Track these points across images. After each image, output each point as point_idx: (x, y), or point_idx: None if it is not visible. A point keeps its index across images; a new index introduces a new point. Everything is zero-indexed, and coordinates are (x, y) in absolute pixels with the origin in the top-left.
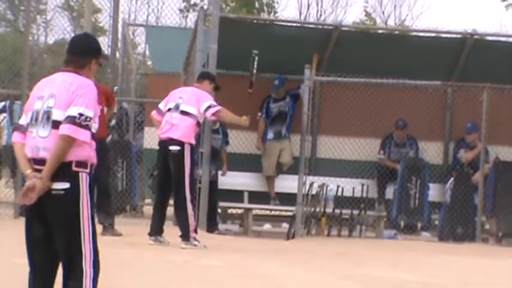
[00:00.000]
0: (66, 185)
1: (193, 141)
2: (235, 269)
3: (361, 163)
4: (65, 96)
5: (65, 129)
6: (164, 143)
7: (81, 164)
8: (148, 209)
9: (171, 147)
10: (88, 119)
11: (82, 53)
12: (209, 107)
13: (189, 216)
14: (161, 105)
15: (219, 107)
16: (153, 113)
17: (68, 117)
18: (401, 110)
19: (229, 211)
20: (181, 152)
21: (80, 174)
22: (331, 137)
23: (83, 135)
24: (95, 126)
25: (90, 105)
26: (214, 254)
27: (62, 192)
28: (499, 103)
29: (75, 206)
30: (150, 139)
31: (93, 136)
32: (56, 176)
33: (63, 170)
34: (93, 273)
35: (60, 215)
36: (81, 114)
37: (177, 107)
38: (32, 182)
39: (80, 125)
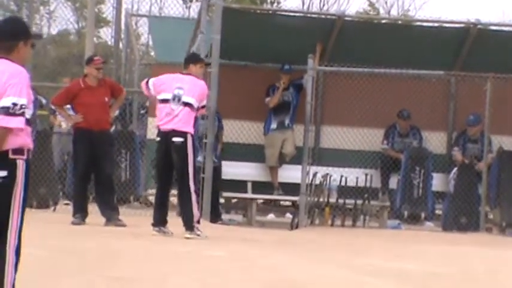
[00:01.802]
0: (4, 173)
1: (193, 131)
2: (239, 259)
3: (365, 153)
4: None
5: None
6: (166, 134)
7: (18, 151)
8: (152, 199)
9: (175, 139)
10: (23, 106)
11: (7, 36)
12: (204, 106)
13: (193, 206)
14: (151, 83)
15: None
16: (143, 85)
17: (1, 108)
18: (405, 100)
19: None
20: (184, 143)
21: (17, 161)
22: (334, 127)
23: (16, 122)
24: (29, 112)
25: (22, 93)
26: (218, 244)
27: (0, 180)
28: (503, 93)
29: (10, 193)
30: (154, 129)
31: (28, 122)
32: None
33: (0, 159)
34: (15, 260)
35: None
36: (14, 104)
37: (178, 98)
38: None
39: (13, 114)
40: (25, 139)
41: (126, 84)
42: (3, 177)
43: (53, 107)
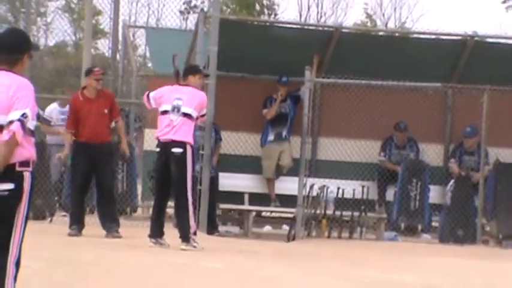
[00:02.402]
0: (11, 186)
1: (193, 142)
2: (236, 271)
3: (362, 165)
4: (4, 100)
5: (10, 133)
6: (165, 145)
7: (24, 163)
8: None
9: (174, 150)
10: (30, 119)
11: (13, 49)
12: (204, 114)
13: (190, 217)
14: (151, 97)
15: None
16: (144, 99)
17: (11, 121)
18: (402, 112)
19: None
20: (184, 154)
21: (24, 173)
22: (331, 139)
23: (24, 134)
24: (33, 124)
25: (29, 105)
26: (215, 255)
27: (7, 193)
28: (500, 105)
29: (17, 205)
30: (151, 141)
31: (33, 133)
32: (1, 178)
33: (8, 172)
34: (15, 271)
35: (3, 214)
36: (23, 117)
37: (177, 109)
38: None
39: (22, 127)
40: (31, 151)
41: (123, 95)
42: (10, 190)
43: (68, 131)
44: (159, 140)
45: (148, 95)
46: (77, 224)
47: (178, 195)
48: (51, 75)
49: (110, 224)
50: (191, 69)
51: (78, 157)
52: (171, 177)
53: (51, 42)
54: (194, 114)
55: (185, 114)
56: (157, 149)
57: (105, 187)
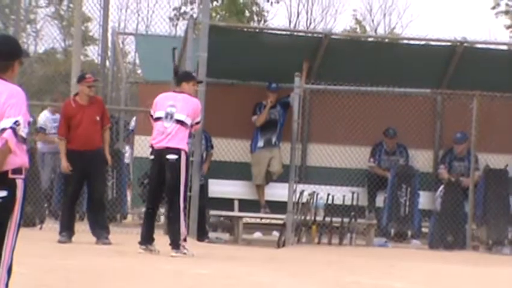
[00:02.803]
0: (4, 193)
1: (187, 149)
2: (226, 277)
3: (352, 171)
4: None
5: (3, 141)
6: (160, 152)
7: (17, 170)
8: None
9: (169, 156)
10: (22, 126)
11: (4, 56)
12: (199, 122)
13: (181, 224)
14: (152, 113)
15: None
16: (151, 120)
17: (3, 129)
18: (392, 118)
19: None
20: (178, 161)
21: (17, 181)
22: (321, 145)
23: (17, 142)
24: (25, 131)
25: (21, 112)
26: (205, 262)
27: (0, 200)
28: (489, 111)
29: (10, 212)
30: (140, 148)
31: (25, 141)
32: None
33: (1, 179)
34: (7, 278)
35: None
36: (16, 124)
37: (170, 116)
38: None
39: (15, 135)
40: (23, 159)
41: (112, 102)
42: (3, 197)
43: (60, 138)
44: (153, 147)
45: (151, 113)
46: (67, 231)
47: (171, 201)
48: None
49: (100, 231)
50: (185, 76)
51: (71, 164)
52: (164, 185)
53: (40, 49)
54: (188, 121)
55: (178, 121)
56: (152, 157)
57: (97, 194)
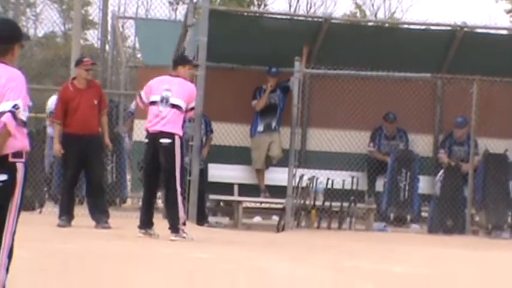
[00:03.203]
0: (4, 177)
1: (181, 133)
2: (225, 261)
3: (351, 155)
4: None
5: (1, 124)
6: (154, 136)
7: (17, 154)
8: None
9: (162, 140)
10: (22, 109)
11: (4, 39)
12: (193, 108)
13: (179, 208)
14: (143, 94)
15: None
16: (138, 100)
17: (2, 112)
18: (391, 103)
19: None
20: (172, 145)
21: (17, 164)
22: (321, 130)
23: (16, 125)
24: (25, 114)
25: (21, 96)
26: (204, 246)
27: (0, 184)
28: (489, 95)
29: (10, 195)
30: (140, 132)
31: (25, 124)
32: None
33: (1, 163)
34: (7, 262)
35: None
36: (15, 108)
37: (166, 100)
38: None
39: (14, 118)
40: (24, 142)
41: (112, 86)
42: (3, 181)
43: (56, 121)
44: (148, 131)
45: (140, 95)
46: (67, 215)
47: (167, 186)
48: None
49: (100, 215)
50: (181, 60)
51: (69, 148)
52: (160, 168)
53: (40, 33)
54: (183, 105)
55: (174, 106)
56: (146, 140)
57: (95, 178)
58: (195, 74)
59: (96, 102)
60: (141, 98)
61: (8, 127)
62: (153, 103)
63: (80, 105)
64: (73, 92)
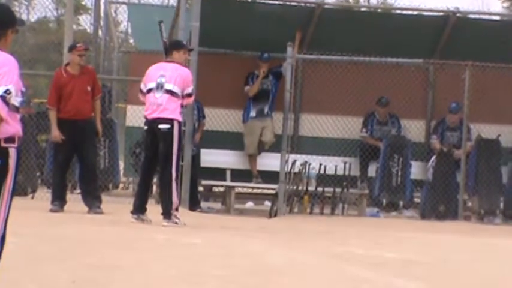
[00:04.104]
0: None
1: (180, 119)
2: (218, 247)
3: (344, 141)
4: None
5: None
6: (152, 123)
7: (10, 139)
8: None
9: (161, 126)
10: (14, 95)
11: None
12: (191, 94)
13: (173, 194)
14: (142, 86)
15: (193, 97)
16: (140, 97)
17: None
18: (384, 88)
19: (213, 189)
20: (171, 131)
21: (9, 149)
22: (313, 115)
23: (8, 111)
24: (18, 100)
25: (13, 81)
26: (197, 232)
27: None
28: (481, 81)
29: (2, 181)
30: (132, 117)
31: (18, 109)
32: None
33: None
34: (0, 247)
35: None
36: (6, 93)
37: (160, 86)
38: None
39: (6, 104)
40: (16, 127)
41: (105, 71)
42: None
43: (50, 108)
44: (146, 118)
45: (140, 89)
46: (59, 200)
47: (163, 170)
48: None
49: (92, 200)
50: (175, 45)
51: (61, 133)
52: (158, 155)
53: (32, 18)
54: (178, 90)
55: (168, 91)
56: (145, 127)
57: (88, 163)
58: (188, 59)
59: (89, 88)
60: (141, 91)
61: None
62: (149, 90)
63: (73, 91)
64: (66, 78)
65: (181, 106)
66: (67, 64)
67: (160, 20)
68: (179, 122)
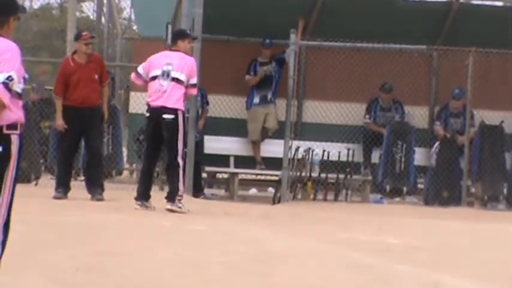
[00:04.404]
0: None
1: (183, 108)
2: (221, 233)
3: (347, 127)
4: None
5: None
6: (156, 111)
7: (12, 126)
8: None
9: (165, 116)
10: (17, 81)
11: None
12: (195, 84)
13: (180, 182)
14: (140, 70)
15: (197, 88)
16: (133, 77)
17: None
18: (387, 74)
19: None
20: (175, 120)
21: (12, 136)
22: (316, 102)
23: (11, 97)
24: (20, 86)
25: (15, 68)
26: (200, 218)
27: None
28: (485, 67)
29: (5, 168)
30: (136, 104)
31: (20, 96)
32: None
33: None
34: (3, 237)
35: None
36: (8, 80)
37: (167, 74)
38: None
39: (8, 90)
40: (19, 114)
41: (108, 58)
42: None
43: (57, 97)
44: (149, 105)
45: (136, 71)
46: (63, 187)
47: (169, 160)
48: (36, 38)
49: (95, 187)
50: (180, 34)
51: (68, 120)
52: (161, 143)
53: (35, 5)
54: (184, 79)
55: (174, 79)
56: (147, 114)
57: (94, 151)
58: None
59: (96, 76)
60: (137, 74)
61: (1, 99)
62: (153, 78)
63: (81, 80)
64: (74, 67)
65: (185, 95)
66: (74, 52)
67: (167, 22)
68: (183, 112)
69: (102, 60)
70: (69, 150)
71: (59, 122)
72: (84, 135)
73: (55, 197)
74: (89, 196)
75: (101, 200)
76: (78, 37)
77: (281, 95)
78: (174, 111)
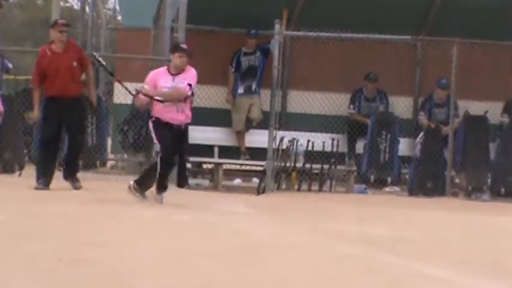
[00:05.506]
0: None
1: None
2: (204, 223)
3: (332, 118)
4: None
5: None
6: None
7: None
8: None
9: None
10: None
11: None
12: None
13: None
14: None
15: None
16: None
17: None
18: (372, 65)
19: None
20: (186, 128)
21: None
22: (301, 92)
23: None
24: None
25: None
26: (185, 209)
27: None
28: (469, 57)
29: None
30: (120, 94)
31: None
32: None
33: None
34: None
35: None
36: None
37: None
38: None
39: None
40: None
41: (93, 48)
42: None
43: (34, 87)
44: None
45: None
46: (44, 178)
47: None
48: (20, 28)
49: (71, 177)
50: (171, 49)
51: (48, 111)
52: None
53: None
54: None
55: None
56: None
57: (73, 141)
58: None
59: (75, 64)
60: (143, 92)
61: None
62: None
63: (59, 70)
64: (51, 56)
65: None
66: (51, 42)
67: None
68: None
69: (78, 46)
70: (51, 142)
71: (36, 113)
72: (66, 126)
73: (37, 188)
74: (71, 186)
75: (79, 188)
76: (53, 25)
77: (265, 85)
78: (185, 124)
